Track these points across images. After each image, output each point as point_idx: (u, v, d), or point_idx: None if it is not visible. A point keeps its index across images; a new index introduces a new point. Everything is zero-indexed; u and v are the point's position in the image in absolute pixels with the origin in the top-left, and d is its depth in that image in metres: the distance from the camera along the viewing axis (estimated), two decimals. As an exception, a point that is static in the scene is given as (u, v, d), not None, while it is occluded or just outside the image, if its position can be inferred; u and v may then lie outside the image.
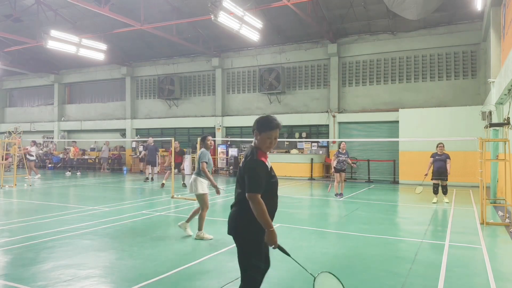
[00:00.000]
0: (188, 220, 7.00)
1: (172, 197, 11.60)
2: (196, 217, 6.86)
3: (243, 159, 3.31)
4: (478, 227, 7.85)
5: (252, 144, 3.50)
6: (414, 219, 8.87)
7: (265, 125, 3.56)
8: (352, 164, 12.72)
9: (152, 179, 17.30)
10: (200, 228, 6.70)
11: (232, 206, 3.38)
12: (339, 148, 12.16)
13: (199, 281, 4.63)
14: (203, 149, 6.95)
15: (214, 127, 22.81)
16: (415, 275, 4.90)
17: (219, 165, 22.08)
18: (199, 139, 12.37)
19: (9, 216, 8.77)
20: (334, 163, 12.06)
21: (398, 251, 6.16)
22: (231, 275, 4.79)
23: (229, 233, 3.26)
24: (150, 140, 17.59)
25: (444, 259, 5.58)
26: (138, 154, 22.41)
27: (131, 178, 19.38)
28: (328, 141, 19.78)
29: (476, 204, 10.83)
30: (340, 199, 11.90)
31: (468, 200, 11.85)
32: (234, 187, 3.32)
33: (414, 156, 17.00)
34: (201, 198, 6.77)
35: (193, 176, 6.90)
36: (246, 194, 3.11)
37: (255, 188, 3.11)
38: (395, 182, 17.49)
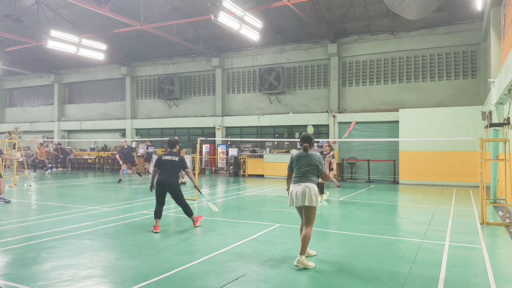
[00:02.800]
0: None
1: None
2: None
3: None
4: (478, 227, 7.85)
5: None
6: (414, 219, 8.87)
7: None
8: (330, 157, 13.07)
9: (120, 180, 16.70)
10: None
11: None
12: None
13: (199, 281, 4.63)
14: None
15: (214, 127, 22.80)
16: (415, 275, 4.89)
17: (219, 165, 22.08)
18: (199, 139, 12.47)
19: (9, 216, 8.77)
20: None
21: (398, 251, 6.16)
22: (231, 275, 4.79)
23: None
24: (124, 143, 17.44)
25: (444, 259, 5.58)
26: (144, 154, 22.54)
27: (131, 178, 19.38)
28: (328, 141, 19.73)
29: (476, 204, 10.83)
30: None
31: (468, 200, 11.85)
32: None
33: (414, 156, 17.01)
34: None
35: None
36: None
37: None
38: (395, 182, 17.49)
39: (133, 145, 24.53)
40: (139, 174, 18.09)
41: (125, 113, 25.77)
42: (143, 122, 25.24)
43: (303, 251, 5.14)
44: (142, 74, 25.26)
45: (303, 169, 5.35)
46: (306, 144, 5.47)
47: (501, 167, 10.16)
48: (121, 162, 16.76)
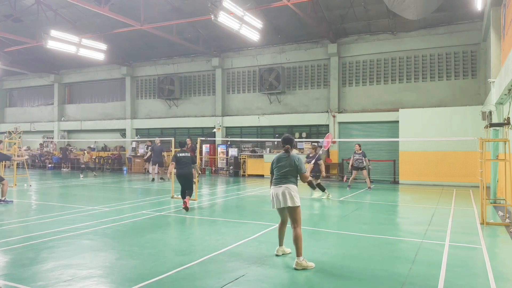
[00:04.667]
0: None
1: (172, 197, 11.59)
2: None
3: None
4: (478, 227, 7.85)
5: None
6: (414, 219, 8.87)
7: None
8: (368, 165, 14.63)
9: (153, 179, 17.37)
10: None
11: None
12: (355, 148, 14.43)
13: (199, 281, 4.63)
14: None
15: (214, 127, 22.80)
16: (415, 275, 4.89)
17: (219, 165, 22.08)
18: (199, 139, 12.47)
19: (9, 216, 8.77)
20: (351, 162, 14.44)
21: (398, 251, 6.16)
22: (231, 275, 4.79)
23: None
24: (157, 140, 17.67)
25: (444, 259, 5.58)
26: (144, 154, 22.40)
27: (131, 178, 19.39)
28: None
29: (476, 204, 10.83)
30: (349, 190, 14.03)
31: (468, 200, 11.85)
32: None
33: (414, 156, 17.01)
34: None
35: None
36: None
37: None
38: (395, 182, 17.49)
39: (133, 145, 24.56)
40: (163, 179, 17.17)
41: (125, 113, 25.77)
42: (143, 122, 25.23)
43: (299, 253, 5.17)
44: (142, 74, 25.26)
45: (283, 171, 5.41)
46: (287, 146, 5.50)
47: (501, 167, 10.16)
48: (146, 164, 16.76)
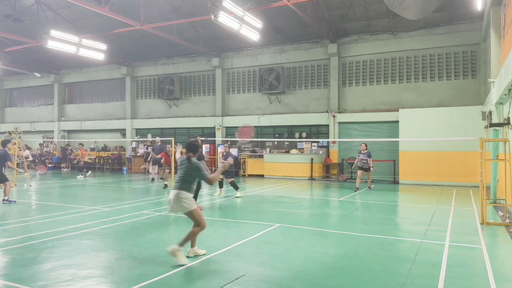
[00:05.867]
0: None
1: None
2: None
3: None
4: (478, 227, 7.84)
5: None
6: (414, 219, 8.87)
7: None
8: (371, 167, 14.27)
9: (153, 179, 17.36)
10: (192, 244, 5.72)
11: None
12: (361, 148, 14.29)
13: (199, 281, 4.63)
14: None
15: (214, 127, 22.81)
16: (415, 275, 4.89)
17: (219, 165, 22.03)
18: (199, 139, 12.45)
19: (9, 216, 8.77)
20: (356, 162, 14.36)
21: (398, 251, 6.16)
22: (231, 275, 4.79)
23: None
24: (158, 139, 17.65)
25: (444, 259, 5.58)
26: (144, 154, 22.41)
27: (131, 178, 19.38)
28: (328, 141, 19.77)
29: (476, 204, 10.83)
30: (356, 192, 13.58)
31: (468, 200, 11.84)
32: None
33: (414, 156, 17.01)
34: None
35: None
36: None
37: None
38: (395, 182, 17.49)
39: (133, 145, 24.55)
40: (163, 179, 15.90)
41: (125, 113, 25.77)
42: (143, 122, 25.23)
43: (181, 242, 5.30)
44: (142, 74, 25.27)
45: (181, 175, 5.47)
46: (190, 154, 5.49)
47: (501, 167, 10.15)
48: (146, 164, 16.53)
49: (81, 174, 19.41)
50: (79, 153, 21.13)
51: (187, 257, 5.46)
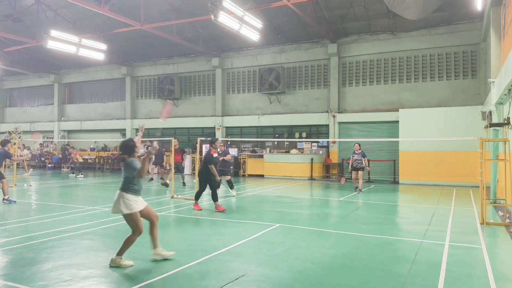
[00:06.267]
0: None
1: (172, 197, 11.60)
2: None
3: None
4: (478, 227, 7.84)
5: None
6: (414, 219, 8.87)
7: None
8: (367, 166, 14.24)
9: (151, 179, 17.39)
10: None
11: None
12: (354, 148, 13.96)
13: (199, 281, 4.63)
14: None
15: (214, 127, 22.81)
16: (415, 275, 4.89)
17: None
18: (199, 139, 12.45)
19: (9, 216, 8.77)
20: (350, 162, 13.96)
21: (398, 251, 6.16)
22: (231, 275, 4.79)
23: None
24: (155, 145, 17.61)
25: (444, 259, 5.58)
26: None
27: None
28: (328, 141, 19.77)
29: (476, 204, 10.83)
30: (358, 193, 13.30)
31: (468, 200, 11.85)
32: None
33: (414, 156, 17.01)
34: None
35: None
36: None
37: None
38: (395, 182, 17.49)
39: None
40: (166, 184, 15.09)
41: (125, 113, 25.77)
42: (143, 122, 25.18)
43: (120, 252, 5.12)
44: (142, 74, 25.27)
45: (122, 176, 5.28)
46: (123, 155, 5.26)
47: (501, 167, 10.15)
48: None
49: (73, 173, 19.88)
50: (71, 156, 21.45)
51: (155, 260, 5.28)
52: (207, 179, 9.53)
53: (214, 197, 9.59)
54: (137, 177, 5.19)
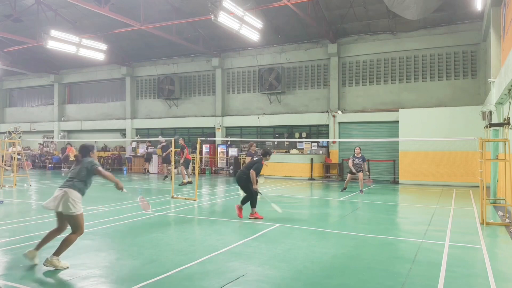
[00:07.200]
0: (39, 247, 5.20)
1: (172, 197, 11.60)
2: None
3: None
4: (478, 227, 7.84)
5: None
6: (414, 219, 8.87)
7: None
8: (366, 171, 14.11)
9: (166, 177, 17.52)
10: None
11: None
12: (354, 152, 13.68)
13: (199, 281, 4.63)
14: None
15: (214, 127, 22.81)
16: (415, 275, 4.89)
17: (219, 165, 22.08)
18: (199, 139, 12.44)
19: (9, 216, 8.77)
20: (350, 165, 13.67)
21: (398, 251, 6.16)
22: (231, 275, 4.79)
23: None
24: (162, 139, 17.78)
25: (444, 259, 5.58)
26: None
27: (131, 178, 19.38)
28: (328, 141, 19.78)
29: (476, 204, 10.83)
30: (362, 194, 13.14)
31: (468, 200, 11.85)
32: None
33: (414, 156, 17.01)
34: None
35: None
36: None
37: None
38: (395, 182, 17.49)
39: (133, 145, 24.58)
40: (167, 177, 17.00)
41: (125, 113, 25.77)
42: (143, 122, 25.23)
43: (57, 252, 4.95)
44: (142, 74, 25.27)
45: (73, 175, 5.24)
46: (79, 154, 5.40)
47: (501, 167, 10.15)
48: (146, 164, 16.69)
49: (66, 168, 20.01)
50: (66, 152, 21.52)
51: (44, 265, 4.92)
52: (245, 184, 8.58)
53: (253, 203, 8.54)
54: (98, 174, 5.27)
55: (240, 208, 8.64)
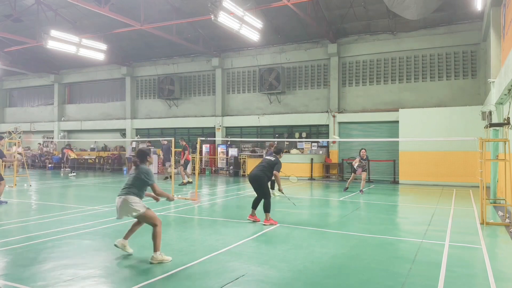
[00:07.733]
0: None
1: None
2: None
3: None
4: (478, 227, 7.85)
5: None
6: (414, 219, 8.87)
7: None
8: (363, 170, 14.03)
9: (168, 177, 17.57)
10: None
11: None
12: (360, 155, 13.67)
13: (199, 281, 4.63)
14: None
15: (214, 127, 22.81)
16: (415, 275, 4.89)
17: (219, 165, 22.09)
18: (199, 139, 12.44)
19: (9, 216, 8.77)
20: (355, 166, 13.71)
21: (398, 251, 6.16)
22: (231, 275, 4.79)
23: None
24: (164, 141, 17.83)
25: (444, 259, 5.58)
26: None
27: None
28: (328, 141, 19.78)
29: (476, 204, 10.83)
30: (360, 193, 13.21)
31: (468, 200, 11.85)
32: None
33: (414, 156, 17.01)
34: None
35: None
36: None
37: None
38: (395, 182, 17.49)
39: (133, 145, 24.55)
40: (167, 178, 16.89)
41: (125, 113, 25.77)
42: (143, 122, 25.23)
43: (156, 248, 5.27)
44: (142, 74, 25.27)
45: (129, 182, 5.46)
46: (136, 159, 5.63)
47: (501, 167, 10.16)
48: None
49: (72, 172, 20.50)
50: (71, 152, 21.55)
51: (115, 245, 5.57)
52: (261, 186, 8.11)
53: (267, 207, 7.95)
54: (154, 193, 5.57)
55: (253, 215, 8.16)
